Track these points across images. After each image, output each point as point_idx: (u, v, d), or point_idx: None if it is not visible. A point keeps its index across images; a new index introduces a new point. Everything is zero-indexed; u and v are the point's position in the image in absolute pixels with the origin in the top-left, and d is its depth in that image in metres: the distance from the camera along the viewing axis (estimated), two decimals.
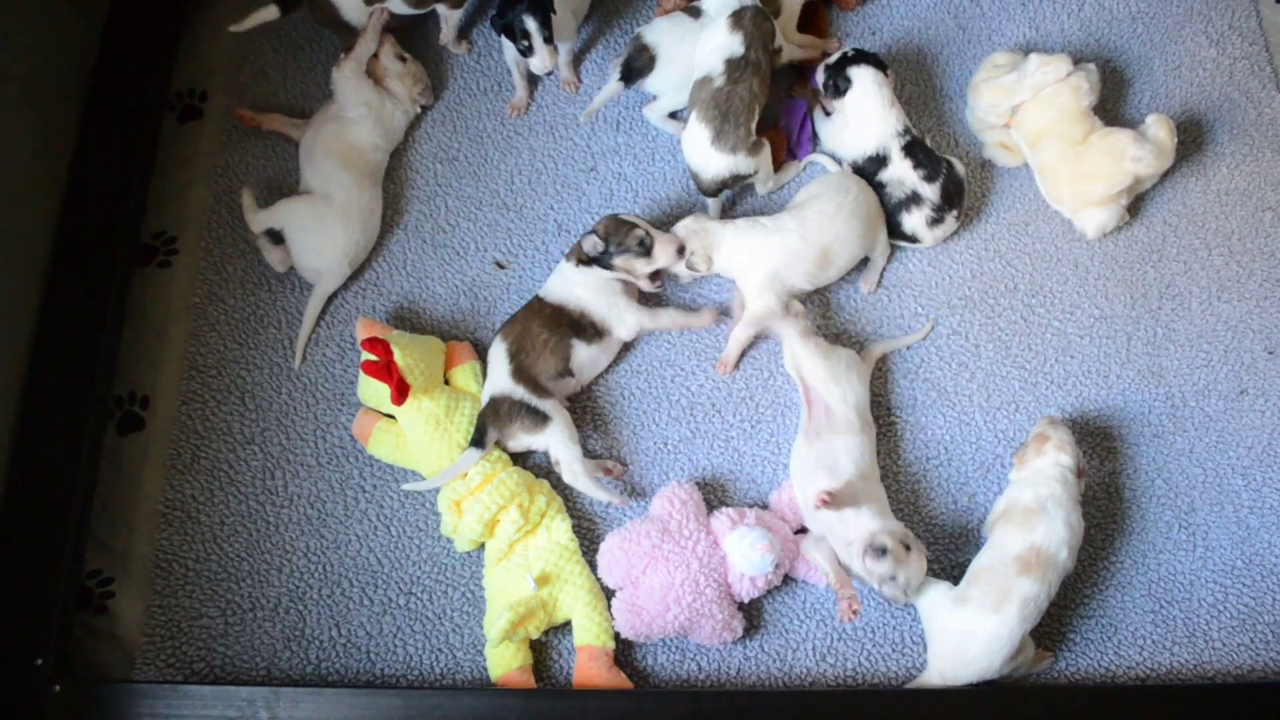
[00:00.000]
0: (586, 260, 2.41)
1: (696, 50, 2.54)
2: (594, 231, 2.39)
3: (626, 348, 2.51)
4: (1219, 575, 2.35)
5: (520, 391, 2.34)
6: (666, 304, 2.54)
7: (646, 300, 2.51)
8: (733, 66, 2.46)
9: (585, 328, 2.41)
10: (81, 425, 2.34)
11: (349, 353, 2.50)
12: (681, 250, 2.40)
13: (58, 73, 2.56)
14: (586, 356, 2.42)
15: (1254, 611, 2.32)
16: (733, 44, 2.47)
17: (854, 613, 2.16)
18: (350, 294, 2.57)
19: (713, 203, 2.58)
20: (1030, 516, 2.17)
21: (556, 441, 2.34)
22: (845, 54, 2.56)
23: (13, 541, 2.24)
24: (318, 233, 2.51)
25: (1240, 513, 2.40)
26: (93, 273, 2.46)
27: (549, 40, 2.50)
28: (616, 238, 2.37)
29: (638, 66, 2.59)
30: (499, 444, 2.36)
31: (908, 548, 2.13)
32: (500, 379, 2.37)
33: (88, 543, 2.33)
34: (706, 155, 2.49)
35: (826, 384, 2.33)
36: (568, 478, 2.35)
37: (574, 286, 2.42)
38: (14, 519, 2.25)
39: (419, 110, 2.71)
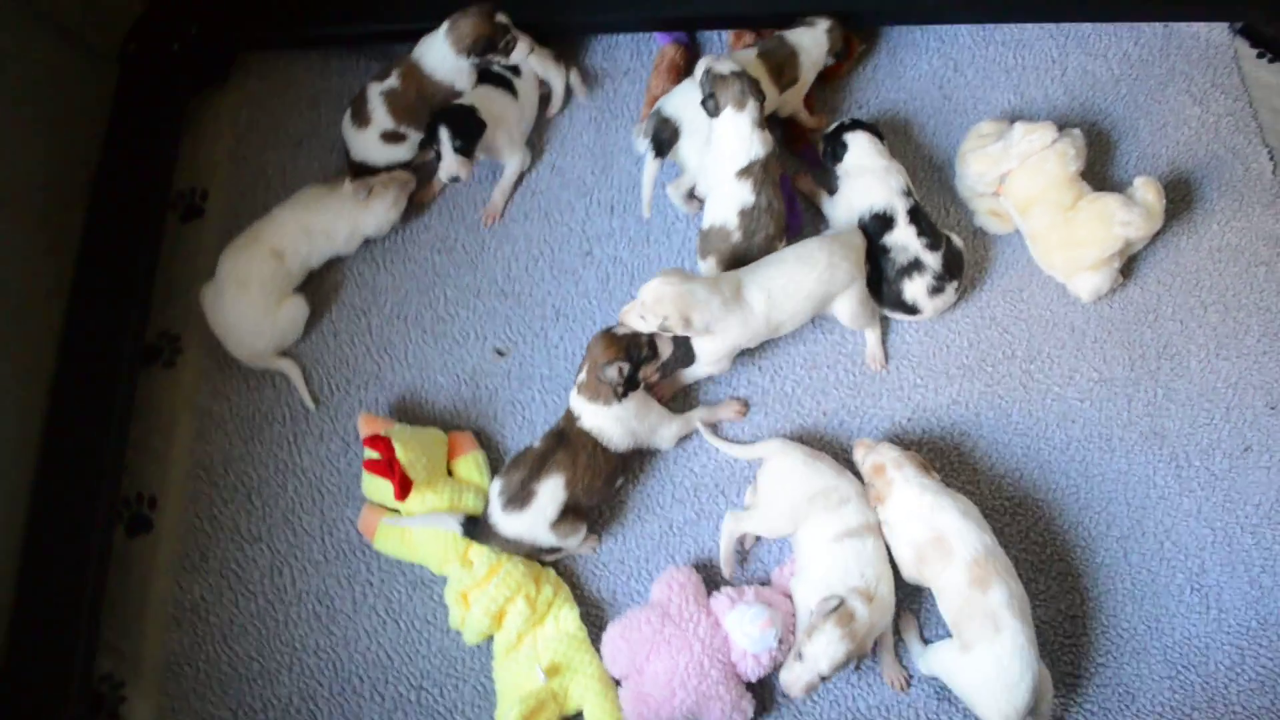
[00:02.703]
0: (623, 393, 2.30)
1: (709, 154, 2.51)
2: (609, 364, 2.26)
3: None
4: (1234, 637, 2.33)
5: (552, 540, 2.31)
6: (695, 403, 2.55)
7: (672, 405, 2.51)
8: (746, 217, 2.45)
9: (635, 455, 2.42)
10: (90, 528, 2.36)
11: (353, 446, 2.52)
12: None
13: (61, 177, 2.60)
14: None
15: (1272, 673, 2.30)
16: (743, 194, 2.44)
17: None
18: (353, 387, 2.59)
19: (705, 265, 2.52)
20: (939, 546, 2.18)
21: None
22: (841, 123, 2.63)
23: (25, 646, 2.24)
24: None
25: (1252, 572, 2.38)
26: (99, 374, 2.49)
27: (459, 150, 2.57)
28: (635, 351, 2.29)
29: (665, 138, 2.58)
30: None
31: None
32: (540, 525, 2.29)
33: (99, 646, 2.33)
34: None
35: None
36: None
37: (629, 421, 2.33)
38: (26, 623, 2.26)
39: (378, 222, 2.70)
